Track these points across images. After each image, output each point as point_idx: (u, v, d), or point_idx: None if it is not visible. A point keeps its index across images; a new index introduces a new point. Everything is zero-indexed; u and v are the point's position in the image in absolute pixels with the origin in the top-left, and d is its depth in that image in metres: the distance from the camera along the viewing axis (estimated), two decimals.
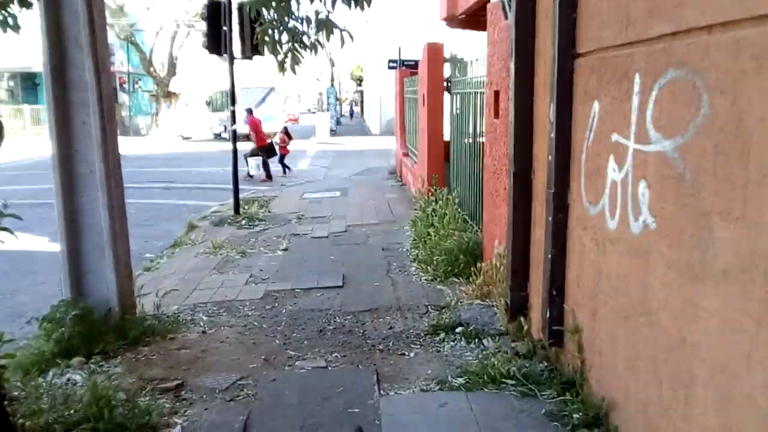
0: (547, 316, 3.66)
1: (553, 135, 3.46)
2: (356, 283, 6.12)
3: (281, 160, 16.41)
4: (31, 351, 4.23)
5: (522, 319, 4.30)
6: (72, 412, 3.16)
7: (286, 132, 16.61)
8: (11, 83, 34.20)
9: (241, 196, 10.72)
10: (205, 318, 5.24)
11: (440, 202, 7.42)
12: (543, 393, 3.52)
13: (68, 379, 3.95)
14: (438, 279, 5.95)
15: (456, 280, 5.85)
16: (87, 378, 3.94)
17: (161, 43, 35.04)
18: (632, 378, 2.79)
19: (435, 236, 6.58)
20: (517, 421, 3.26)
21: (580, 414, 3.18)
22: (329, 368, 4.18)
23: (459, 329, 4.74)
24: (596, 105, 3.10)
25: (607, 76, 2.98)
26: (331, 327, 4.98)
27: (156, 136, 34.25)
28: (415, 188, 10.22)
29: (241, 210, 10.18)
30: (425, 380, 3.91)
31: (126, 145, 28.24)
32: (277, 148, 16.10)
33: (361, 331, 4.88)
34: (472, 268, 5.50)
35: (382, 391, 3.76)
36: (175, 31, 34.20)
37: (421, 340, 4.67)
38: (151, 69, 35.04)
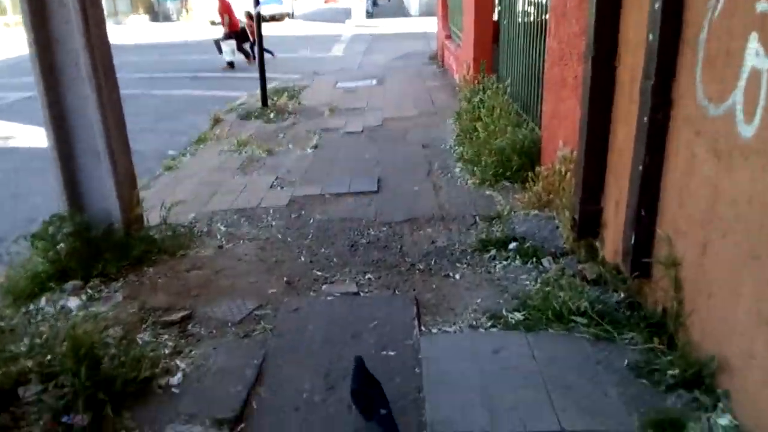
0: (631, 240, 2.92)
1: (657, 5, 2.55)
2: (393, 188, 5.41)
3: (251, 46, 15.13)
4: (25, 272, 3.73)
5: (593, 238, 3.57)
6: (52, 358, 2.63)
7: (249, 16, 15.04)
8: None
9: (269, 85, 9.92)
10: (223, 229, 4.65)
11: (488, 91, 6.48)
12: (623, 336, 2.84)
13: (62, 307, 3.45)
14: (487, 183, 5.18)
15: (508, 184, 5.08)
16: (83, 305, 3.44)
17: None
18: (762, 338, 2.07)
19: (483, 132, 5.74)
20: (592, 374, 2.61)
21: (676, 370, 2.50)
22: (361, 294, 3.57)
23: (513, 245, 4.04)
24: None
25: None
26: (364, 241, 4.34)
27: (186, 22, 32.94)
28: (459, 75, 9.21)
29: (270, 101, 9.41)
30: (474, 312, 3.27)
31: (155, 32, 27.31)
32: (249, 33, 14.95)
33: (399, 246, 4.24)
34: (528, 173, 4.72)
35: (423, 327, 3.14)
36: None
37: (468, 257, 4.00)
38: None
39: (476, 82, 7.16)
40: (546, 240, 3.99)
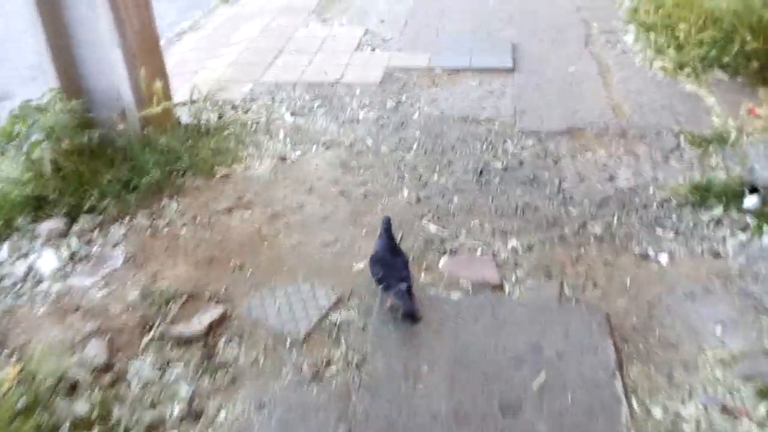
0: None
1: None
2: (535, 64, 3.68)
3: None
4: None
5: None
6: None
7: None
8: None
9: None
10: (288, 120, 3.18)
11: None
12: None
13: (29, 268, 2.19)
14: (687, 70, 3.38)
15: (725, 78, 3.27)
16: (60, 269, 2.16)
17: None
18: None
19: None
20: None
21: None
22: (506, 288, 2.12)
23: (752, 201, 2.47)
24: None
25: None
26: (498, 165, 2.80)
27: None
28: None
29: None
30: (720, 365, 1.80)
31: None
32: None
33: (556, 180, 2.69)
34: None
35: (633, 402, 1.70)
36: None
37: (673, 216, 2.46)
38: None
39: None
40: None
